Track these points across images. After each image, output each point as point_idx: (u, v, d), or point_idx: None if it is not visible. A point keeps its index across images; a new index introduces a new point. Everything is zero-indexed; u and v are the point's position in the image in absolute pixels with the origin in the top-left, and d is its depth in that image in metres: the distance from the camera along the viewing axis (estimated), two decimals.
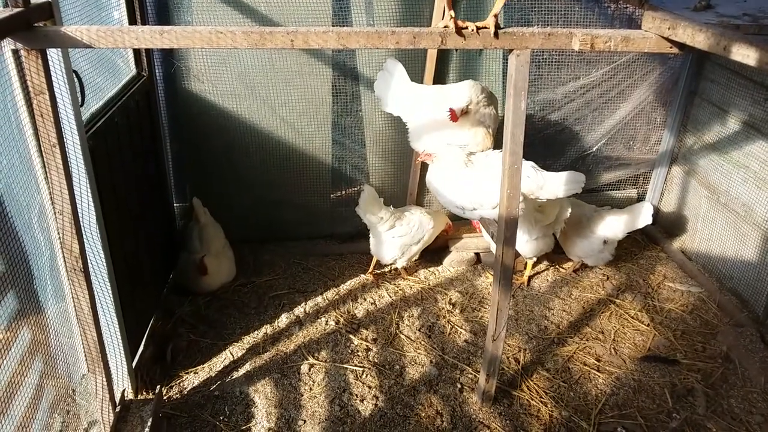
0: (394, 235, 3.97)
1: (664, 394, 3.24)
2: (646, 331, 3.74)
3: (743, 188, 3.88)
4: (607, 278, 4.27)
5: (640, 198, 4.91)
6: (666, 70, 4.38)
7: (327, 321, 3.77)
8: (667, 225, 4.78)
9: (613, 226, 4.07)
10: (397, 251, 4.02)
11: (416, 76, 3.97)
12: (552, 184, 3.46)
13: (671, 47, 2.33)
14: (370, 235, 4.12)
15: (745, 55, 1.86)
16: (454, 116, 3.63)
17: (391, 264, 4.18)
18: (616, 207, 4.30)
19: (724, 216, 4.08)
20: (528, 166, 3.46)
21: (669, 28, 2.24)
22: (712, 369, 3.42)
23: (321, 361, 3.43)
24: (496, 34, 2.35)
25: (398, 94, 3.80)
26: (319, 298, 4.00)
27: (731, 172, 4.00)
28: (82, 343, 2.61)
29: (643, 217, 4.00)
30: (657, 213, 4.90)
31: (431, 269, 4.36)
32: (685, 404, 3.18)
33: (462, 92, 3.73)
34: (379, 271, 4.30)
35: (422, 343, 3.60)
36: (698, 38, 2.08)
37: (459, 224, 4.46)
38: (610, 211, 4.14)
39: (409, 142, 3.98)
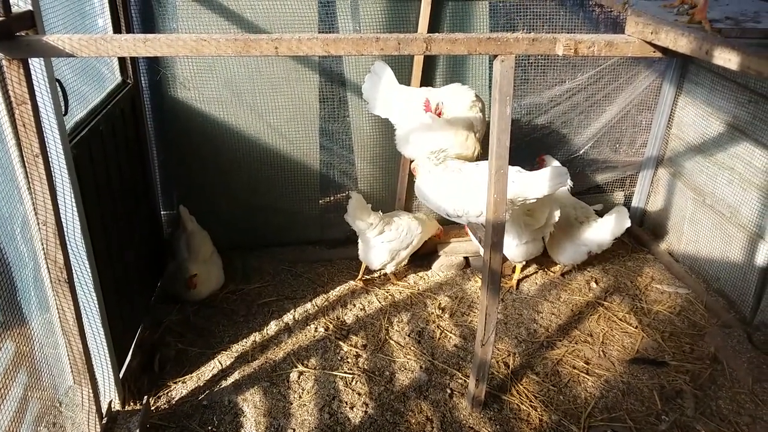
0: (383, 240, 3.97)
1: (652, 396, 3.25)
2: (634, 333, 3.75)
3: (728, 190, 3.91)
4: (595, 281, 4.29)
5: (627, 200, 4.94)
6: (651, 73, 4.41)
7: (316, 328, 3.75)
8: (654, 227, 4.81)
9: (599, 237, 4.06)
10: (386, 256, 4.01)
11: (404, 80, 3.98)
12: (537, 183, 3.46)
13: (654, 51, 2.34)
14: (359, 241, 4.11)
15: (726, 59, 1.88)
16: (428, 106, 3.66)
17: (380, 269, 4.18)
18: (604, 209, 4.32)
19: (710, 217, 4.11)
20: (513, 171, 3.46)
21: (652, 33, 2.25)
22: (700, 370, 3.44)
23: (310, 368, 3.42)
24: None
25: (387, 96, 3.81)
26: (309, 305, 3.98)
27: (716, 173, 4.03)
28: (68, 355, 2.58)
29: (623, 222, 3.98)
30: (644, 215, 4.93)
31: (420, 274, 4.36)
32: (674, 406, 3.19)
33: (450, 94, 3.75)
34: (368, 277, 4.29)
35: (412, 348, 3.59)
36: (680, 43, 2.09)
37: (448, 228, 4.47)
38: (595, 221, 4.12)
39: (396, 147, 3.98)
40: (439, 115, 3.71)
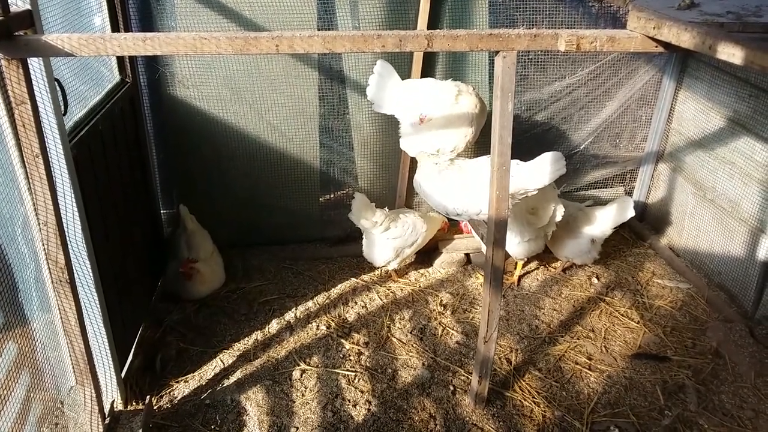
0: (388, 237, 3.96)
1: (655, 391, 3.26)
2: (636, 328, 3.75)
3: (729, 184, 3.91)
4: (597, 276, 4.28)
5: (627, 195, 4.93)
6: (651, 68, 4.40)
7: (318, 325, 3.75)
8: (655, 222, 4.81)
9: (598, 224, 4.08)
10: (391, 253, 4.01)
11: (404, 78, 3.96)
12: (536, 173, 3.45)
13: (657, 47, 2.33)
14: (363, 238, 4.10)
15: (731, 53, 1.87)
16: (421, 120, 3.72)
17: (383, 267, 4.17)
18: (601, 204, 4.32)
19: (710, 212, 4.10)
20: (513, 164, 3.44)
21: (654, 28, 2.24)
22: (702, 365, 3.44)
23: (313, 366, 3.41)
24: None
25: (391, 93, 3.80)
26: (310, 303, 3.97)
27: (717, 168, 4.03)
28: (70, 355, 2.57)
29: (626, 211, 4.00)
30: (644, 210, 4.92)
31: (422, 271, 4.35)
32: (677, 401, 3.19)
33: (448, 88, 3.75)
34: (368, 276, 4.28)
35: (414, 345, 3.59)
36: (684, 38, 2.08)
37: (450, 224, 4.46)
38: (594, 209, 4.15)
39: (396, 145, 3.97)
40: (421, 122, 3.72)
